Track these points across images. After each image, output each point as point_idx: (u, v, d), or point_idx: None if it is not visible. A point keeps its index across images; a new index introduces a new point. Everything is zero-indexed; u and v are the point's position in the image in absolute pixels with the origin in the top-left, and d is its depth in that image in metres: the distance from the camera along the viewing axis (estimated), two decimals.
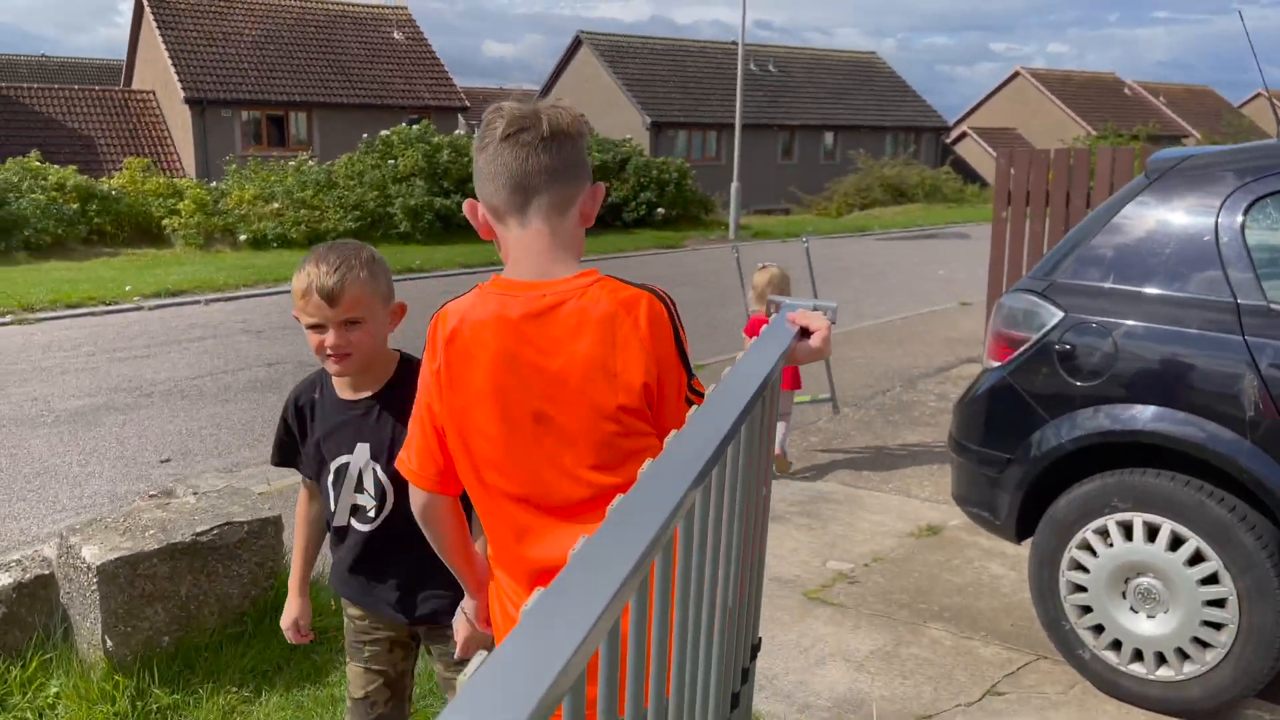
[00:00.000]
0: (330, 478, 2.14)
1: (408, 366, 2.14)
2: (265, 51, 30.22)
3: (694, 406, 1.33)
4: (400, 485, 1.89)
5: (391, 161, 17.48)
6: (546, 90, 39.60)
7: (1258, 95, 56.58)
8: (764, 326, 1.68)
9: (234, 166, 17.53)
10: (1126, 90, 50.27)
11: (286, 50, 30.69)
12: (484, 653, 0.80)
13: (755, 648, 1.76)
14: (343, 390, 2.16)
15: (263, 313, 10.69)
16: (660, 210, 19.99)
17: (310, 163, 17.76)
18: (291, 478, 5.86)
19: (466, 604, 1.87)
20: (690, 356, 1.62)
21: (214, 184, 16.73)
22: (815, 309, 1.72)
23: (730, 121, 24.97)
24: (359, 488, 2.11)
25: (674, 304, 1.59)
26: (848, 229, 22.12)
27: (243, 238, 15.35)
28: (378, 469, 2.09)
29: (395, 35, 33.74)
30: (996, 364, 3.48)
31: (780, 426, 5.90)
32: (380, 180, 17.12)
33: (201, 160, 26.88)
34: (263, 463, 6.06)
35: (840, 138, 38.61)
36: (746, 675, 1.70)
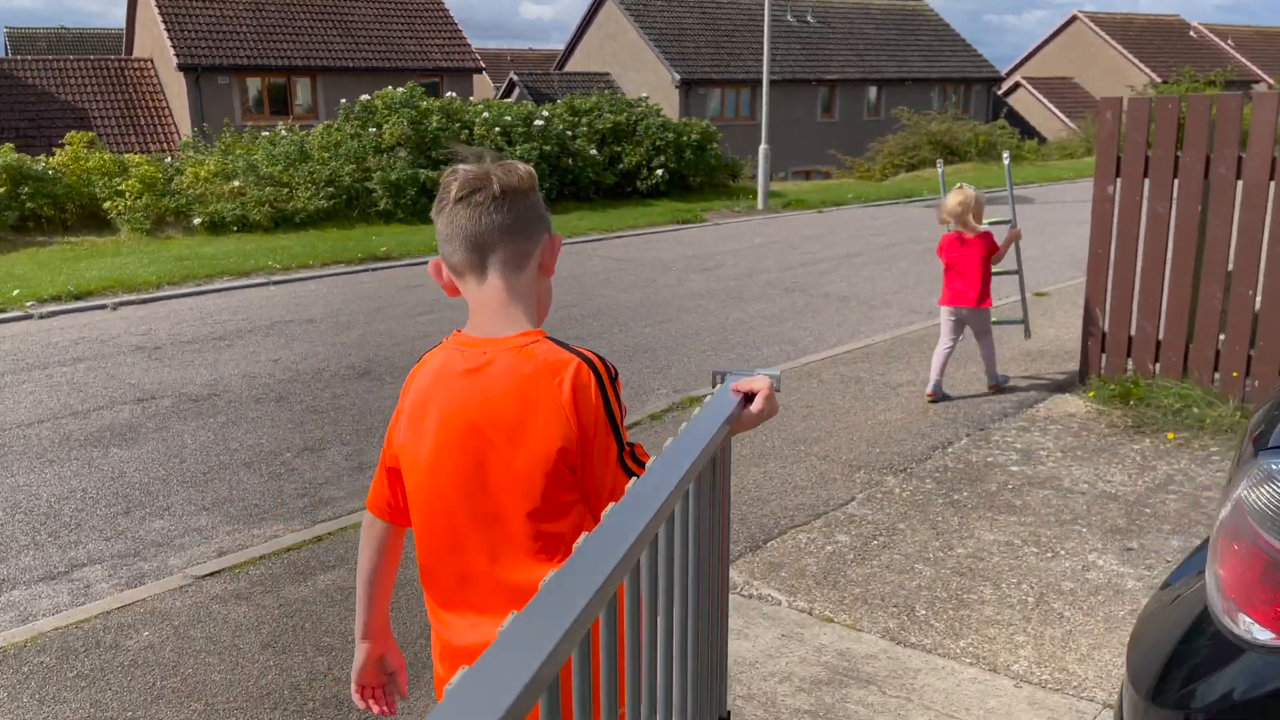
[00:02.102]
0: None
1: None
2: (265, 14, 28.40)
3: (634, 478, 1.33)
4: None
5: (373, 129, 15.49)
6: (570, 51, 37.40)
7: None
8: (708, 398, 1.66)
9: (187, 140, 15.66)
10: (1192, 33, 47.10)
11: (288, 12, 28.84)
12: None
13: None
14: None
15: (173, 322, 8.81)
16: (661, 173, 17.75)
17: (284, 133, 15.82)
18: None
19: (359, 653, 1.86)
20: (622, 425, 1.59)
21: (167, 160, 14.87)
22: (760, 375, 1.72)
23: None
24: None
25: (609, 372, 1.59)
26: (892, 194, 19.76)
27: (197, 221, 13.49)
28: None
29: None
30: (1268, 637, 1.42)
31: (985, 348, 6.05)
32: (359, 151, 15.15)
33: (206, 134, 25.21)
34: (38, 580, 4.17)
35: (885, 92, 35.99)
36: None
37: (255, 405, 6.43)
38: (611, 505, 1.18)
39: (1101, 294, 5.75)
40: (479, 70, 31.11)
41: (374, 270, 11.31)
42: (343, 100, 16.99)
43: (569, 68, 37.19)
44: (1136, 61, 42.54)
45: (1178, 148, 5.29)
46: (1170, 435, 5.02)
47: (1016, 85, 43.30)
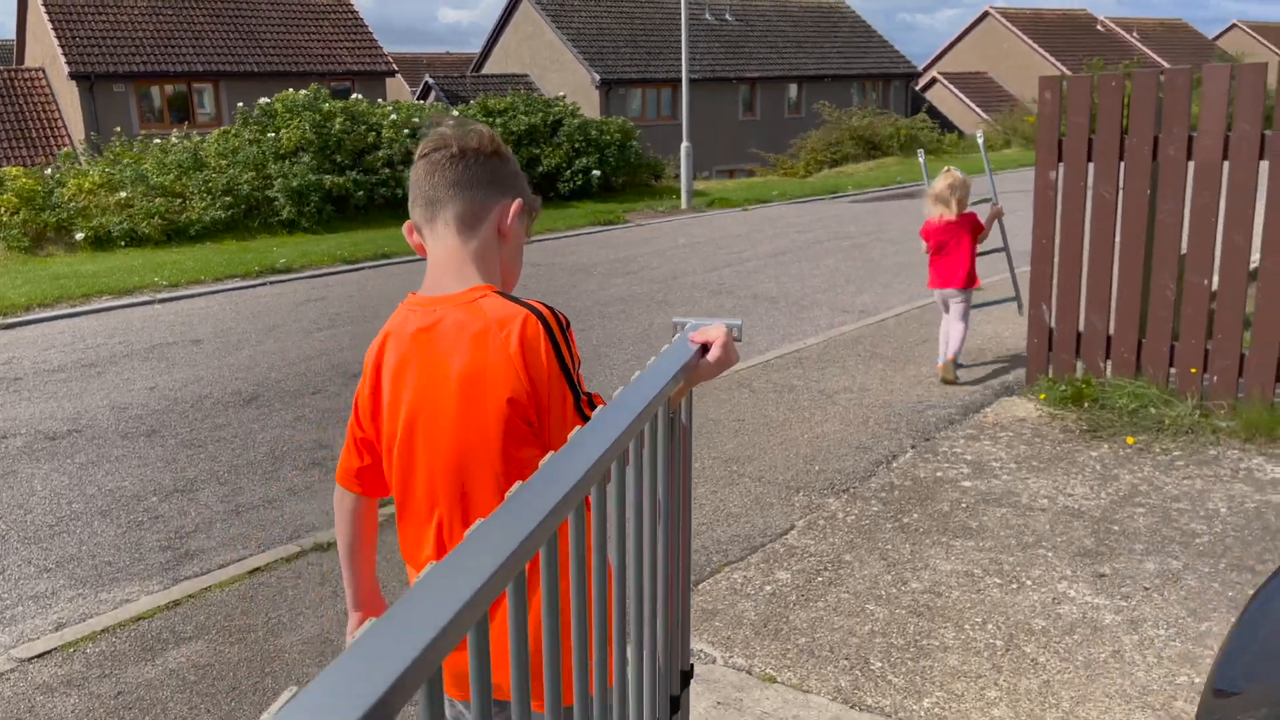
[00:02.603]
0: None
1: None
2: (162, 18, 27.15)
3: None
4: None
5: (273, 135, 14.62)
6: (487, 53, 36.65)
7: (1233, 27, 54.65)
8: (666, 347, 1.61)
9: (68, 150, 14.62)
10: (1099, 27, 48.29)
11: (187, 15, 27.61)
12: (294, 687, 0.76)
13: (686, 675, 1.77)
14: None
15: (40, 348, 7.97)
16: (596, 174, 17.26)
17: (176, 140, 14.86)
18: None
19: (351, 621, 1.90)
20: (576, 374, 1.57)
21: (48, 171, 13.82)
22: (714, 324, 1.68)
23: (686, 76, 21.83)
24: None
25: (559, 321, 1.55)
26: (818, 190, 19.50)
27: (80, 236, 12.50)
28: None
29: None
30: None
31: (957, 330, 5.88)
32: (259, 158, 14.27)
33: (94, 143, 23.88)
34: None
35: (805, 89, 35.96)
36: (677, 704, 1.69)
37: (122, 441, 5.70)
38: (550, 454, 1.14)
39: (1046, 288, 5.36)
40: (392, 73, 30.26)
41: (271, 284, 10.52)
42: (239, 104, 16.05)
43: (486, 70, 36.47)
44: (1047, 55, 43.36)
45: (1123, 129, 4.92)
46: (1130, 440, 4.63)
47: (933, 81, 43.79)
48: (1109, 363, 5.21)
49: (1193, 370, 4.82)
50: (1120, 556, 3.66)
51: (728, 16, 36.46)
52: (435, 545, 1.63)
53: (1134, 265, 5.01)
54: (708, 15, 35.78)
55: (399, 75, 44.59)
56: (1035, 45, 44.01)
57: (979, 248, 5.93)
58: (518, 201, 1.65)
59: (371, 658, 0.75)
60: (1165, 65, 44.76)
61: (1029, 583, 3.53)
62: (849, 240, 12.61)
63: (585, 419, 1.53)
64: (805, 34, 37.71)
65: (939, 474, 4.52)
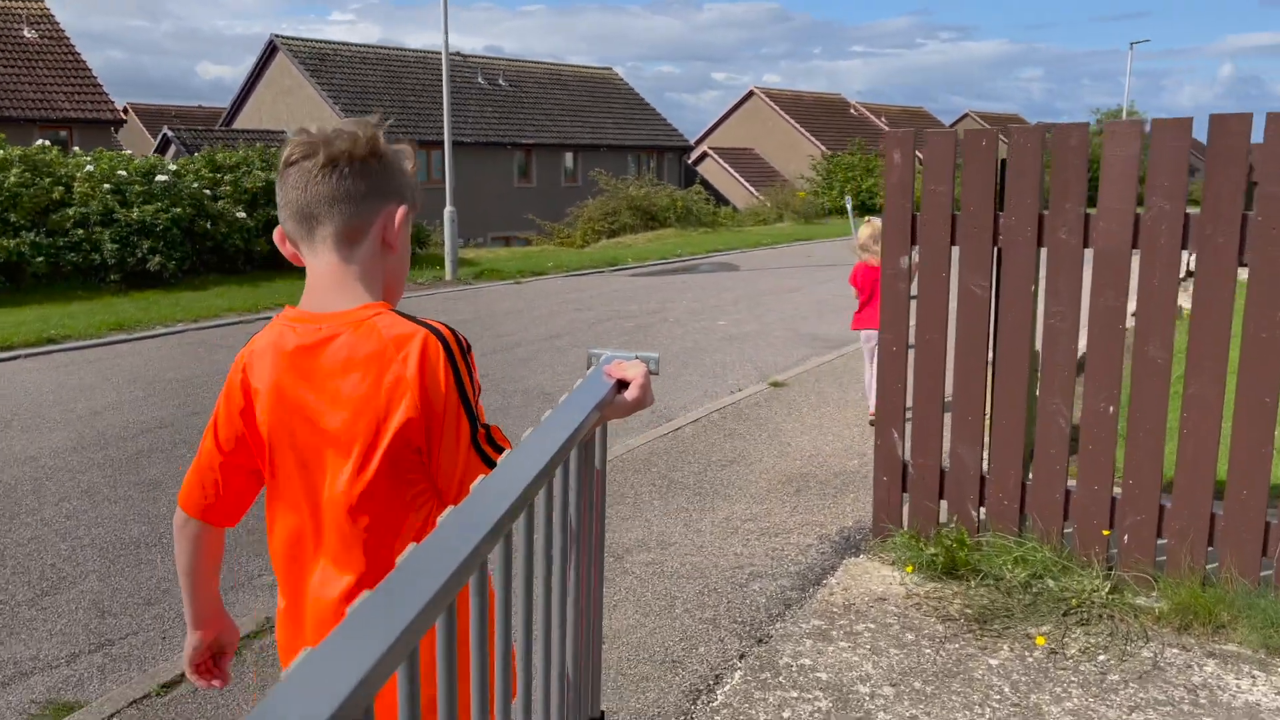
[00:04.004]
0: None
1: None
2: None
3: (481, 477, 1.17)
4: None
5: None
6: (239, 106, 33.62)
7: (965, 115, 59.70)
8: (580, 381, 1.52)
9: None
10: (852, 110, 51.29)
11: None
12: None
13: None
14: None
15: None
16: None
17: None
18: None
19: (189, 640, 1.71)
20: (476, 403, 1.42)
21: None
22: (636, 359, 1.57)
23: (458, 139, 20.18)
24: None
25: (460, 344, 1.41)
26: (596, 262, 18.26)
27: None
28: None
29: (25, 33, 26.95)
30: None
31: (869, 371, 6.22)
32: None
33: None
34: None
35: (581, 158, 35.24)
36: None
37: None
38: (450, 509, 1.02)
39: (899, 409, 4.04)
40: (120, 123, 26.85)
41: None
42: None
43: (239, 125, 33.41)
44: (808, 134, 45.26)
45: (998, 203, 3.70)
46: (1039, 639, 3.30)
47: (704, 155, 44.55)
48: (982, 509, 3.93)
49: (1105, 532, 3.59)
50: None
51: (501, 81, 35.34)
52: (311, 576, 1.46)
53: (1015, 383, 3.77)
54: (480, 79, 34.50)
55: (140, 126, 40.37)
56: (796, 124, 45.87)
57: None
58: (402, 208, 1.47)
59: None
60: None
61: None
62: (631, 320, 11.26)
63: (481, 453, 1.40)
64: (580, 103, 37.19)
65: (786, 714, 2.97)
